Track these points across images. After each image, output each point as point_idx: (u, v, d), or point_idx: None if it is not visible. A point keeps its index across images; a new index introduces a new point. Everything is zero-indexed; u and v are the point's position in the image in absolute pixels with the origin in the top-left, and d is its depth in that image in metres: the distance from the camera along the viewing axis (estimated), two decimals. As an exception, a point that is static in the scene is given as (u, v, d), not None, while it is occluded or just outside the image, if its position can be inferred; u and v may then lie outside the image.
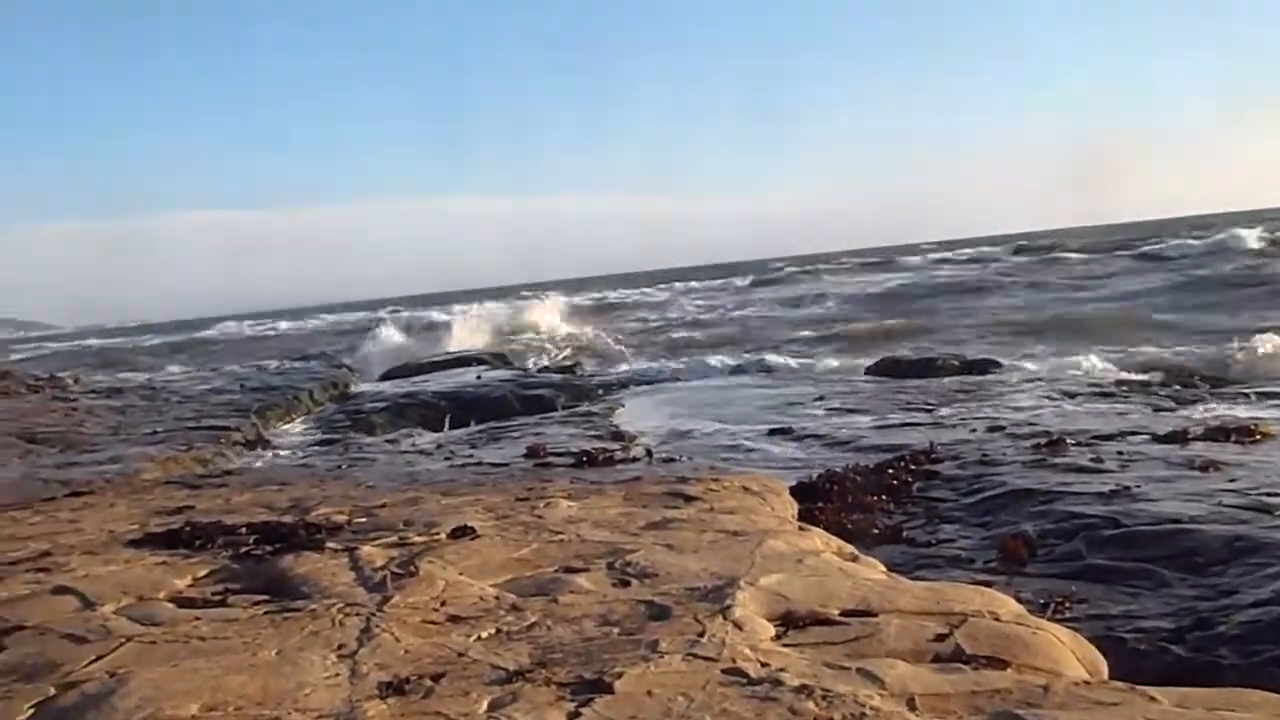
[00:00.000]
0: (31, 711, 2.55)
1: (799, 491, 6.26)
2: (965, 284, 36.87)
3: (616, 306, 48.64)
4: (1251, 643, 3.36)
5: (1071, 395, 10.35)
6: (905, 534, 5.34)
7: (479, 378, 16.68)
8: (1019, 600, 4.06)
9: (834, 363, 19.03)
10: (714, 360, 19.24)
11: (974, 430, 8.11)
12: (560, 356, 22.43)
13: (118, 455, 10.32)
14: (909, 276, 46.73)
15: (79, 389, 17.67)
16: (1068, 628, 3.26)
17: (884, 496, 6.10)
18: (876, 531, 5.39)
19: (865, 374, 16.18)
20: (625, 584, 3.47)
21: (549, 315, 31.25)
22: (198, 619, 3.30)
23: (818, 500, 6.08)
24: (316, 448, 10.96)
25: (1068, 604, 3.96)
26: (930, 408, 9.85)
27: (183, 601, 3.63)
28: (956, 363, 16.08)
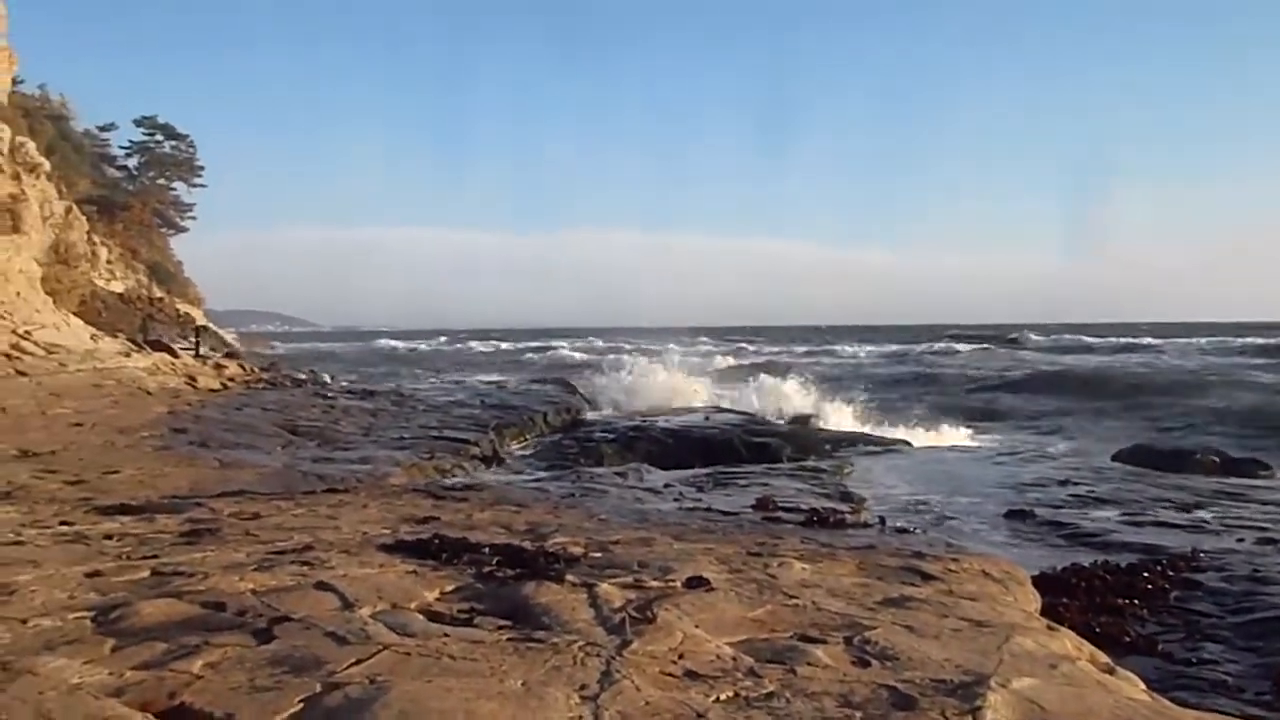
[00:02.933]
0: (300, 706, 2.70)
1: (1042, 583, 5.93)
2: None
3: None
4: None
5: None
6: (1161, 647, 4.95)
7: (707, 419, 16.80)
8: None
9: (1071, 444, 18.08)
10: (945, 428, 18.69)
11: (1241, 540, 7.46)
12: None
13: (367, 456, 10.99)
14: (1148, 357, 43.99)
15: (337, 388, 18.98)
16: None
17: (1137, 602, 5.69)
18: (1128, 640, 5.03)
19: (1111, 460, 15.27)
20: (865, 664, 3.36)
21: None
22: (447, 635, 3.43)
23: (1063, 596, 5.76)
24: (548, 472, 11.30)
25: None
26: (1187, 507, 9.14)
27: (432, 615, 3.78)
28: (1216, 459, 14.92)
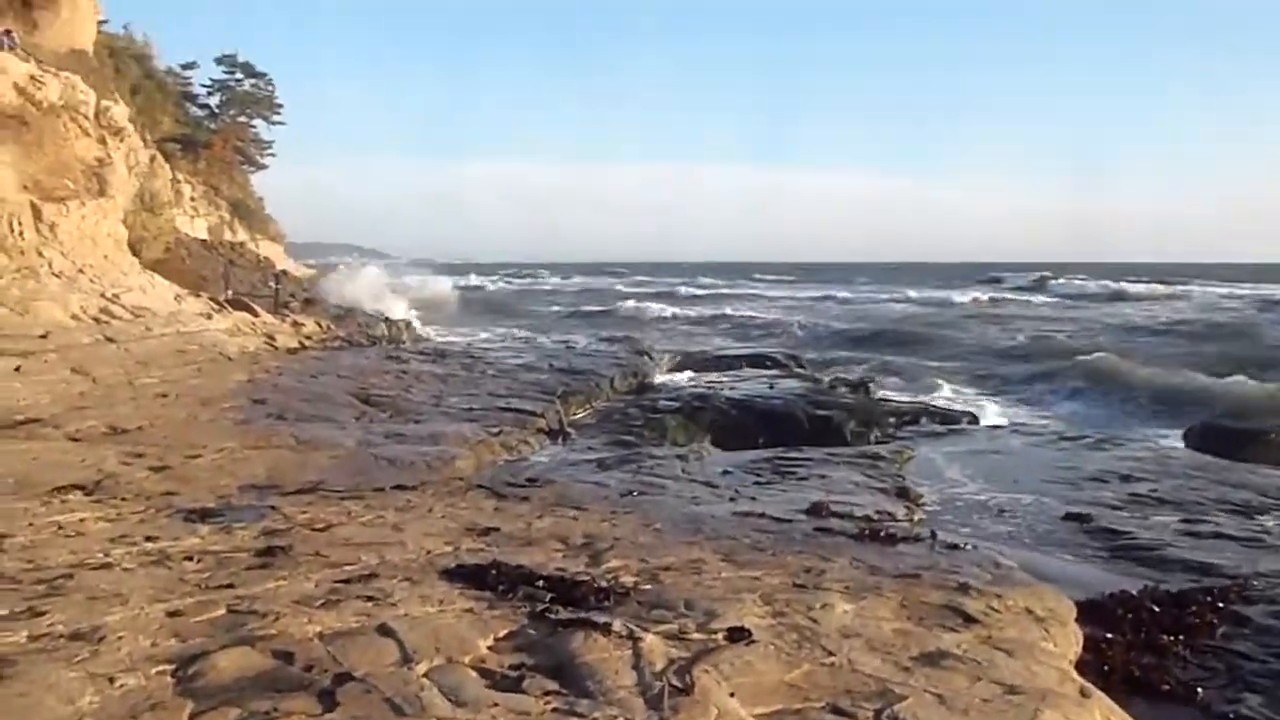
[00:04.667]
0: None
1: (1088, 612, 6.01)
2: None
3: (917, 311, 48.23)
4: None
5: None
6: (1200, 696, 5.03)
7: (771, 386, 16.89)
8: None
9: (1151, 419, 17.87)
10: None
11: (1300, 559, 7.42)
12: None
13: (436, 433, 11.33)
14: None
15: (410, 349, 19.42)
16: None
17: (1181, 638, 5.75)
18: (1167, 687, 5.10)
19: (1183, 440, 15.07)
20: (891, 749, 3.52)
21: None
22: (496, 705, 3.66)
23: (1108, 629, 5.83)
24: (610, 451, 11.52)
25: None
26: (1250, 512, 9.07)
27: (484, 672, 4.02)
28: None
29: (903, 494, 9.23)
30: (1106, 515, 8.78)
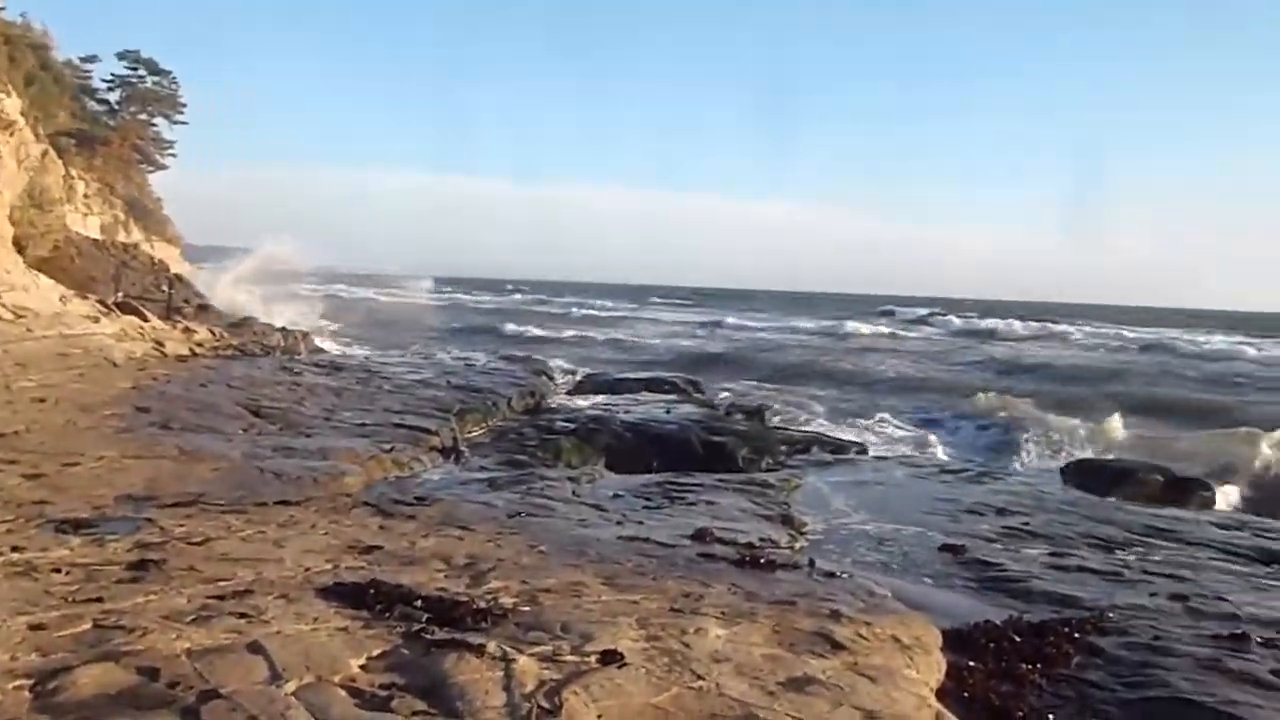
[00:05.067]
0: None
1: (953, 640, 6.23)
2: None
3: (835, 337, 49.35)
4: None
5: (1278, 559, 9.75)
6: (1050, 724, 5.25)
7: (668, 411, 17.06)
8: None
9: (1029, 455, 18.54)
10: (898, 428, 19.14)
11: (1154, 594, 7.78)
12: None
13: (326, 448, 11.19)
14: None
15: (305, 361, 19.11)
16: None
17: (1038, 667, 5.99)
18: (1021, 714, 5.32)
19: (1061, 475, 15.68)
20: (749, 771, 3.63)
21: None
22: (362, 725, 3.67)
23: (971, 657, 6.05)
24: (503, 470, 11.53)
25: None
26: (1112, 547, 9.49)
27: (354, 691, 4.03)
28: (1160, 478, 15.37)
29: (787, 522, 9.43)
30: (980, 547, 9.10)
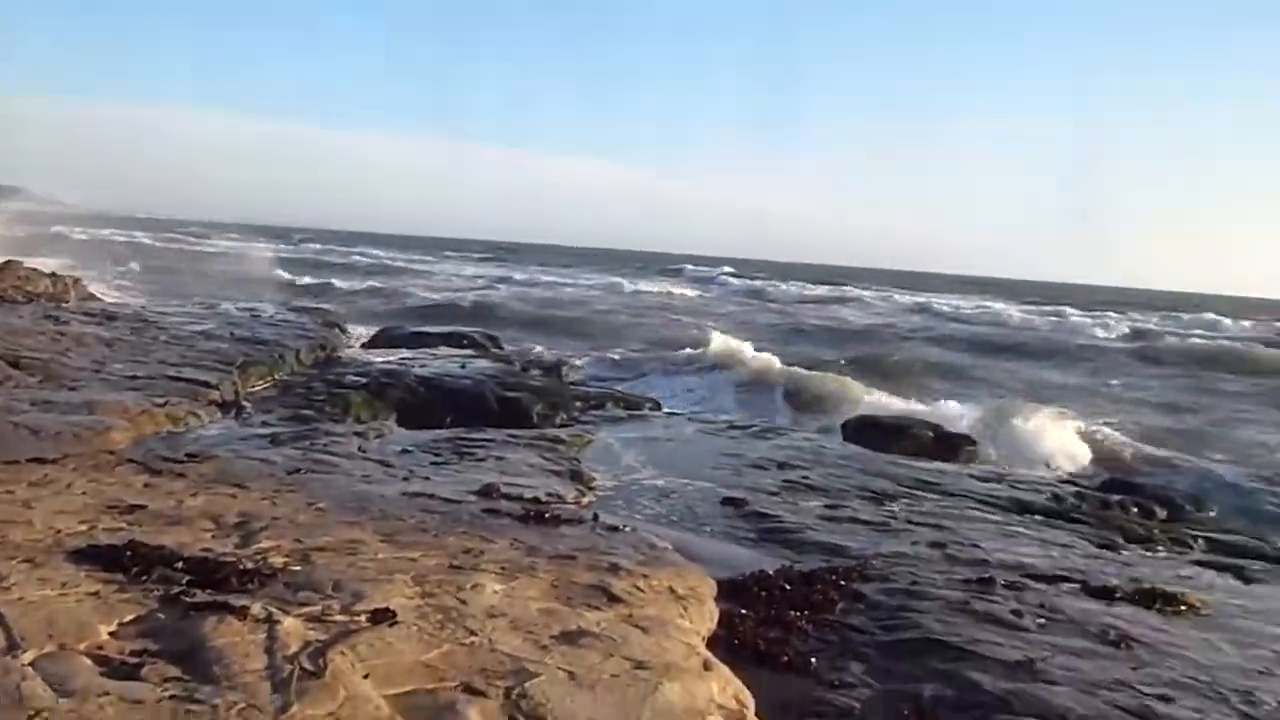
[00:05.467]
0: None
1: (728, 589, 6.46)
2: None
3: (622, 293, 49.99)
4: None
5: (1027, 508, 10.54)
6: (813, 667, 5.52)
7: (463, 366, 16.87)
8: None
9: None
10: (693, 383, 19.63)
11: (915, 543, 8.29)
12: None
13: (93, 401, 10.51)
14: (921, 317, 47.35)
15: (73, 309, 17.84)
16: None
17: (806, 614, 6.28)
18: (787, 659, 5.57)
19: (842, 431, 16.43)
20: (513, 725, 3.66)
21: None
22: (107, 694, 3.48)
23: (743, 606, 6.28)
24: (286, 426, 11.14)
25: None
26: (882, 499, 10.04)
27: (100, 659, 3.82)
28: (931, 434, 16.33)
29: (576, 477, 9.51)
30: (761, 500, 9.43)
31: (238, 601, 4.49)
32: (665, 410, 15.92)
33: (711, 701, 4.25)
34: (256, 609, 4.43)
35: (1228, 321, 57.15)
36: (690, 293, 58.88)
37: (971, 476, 11.95)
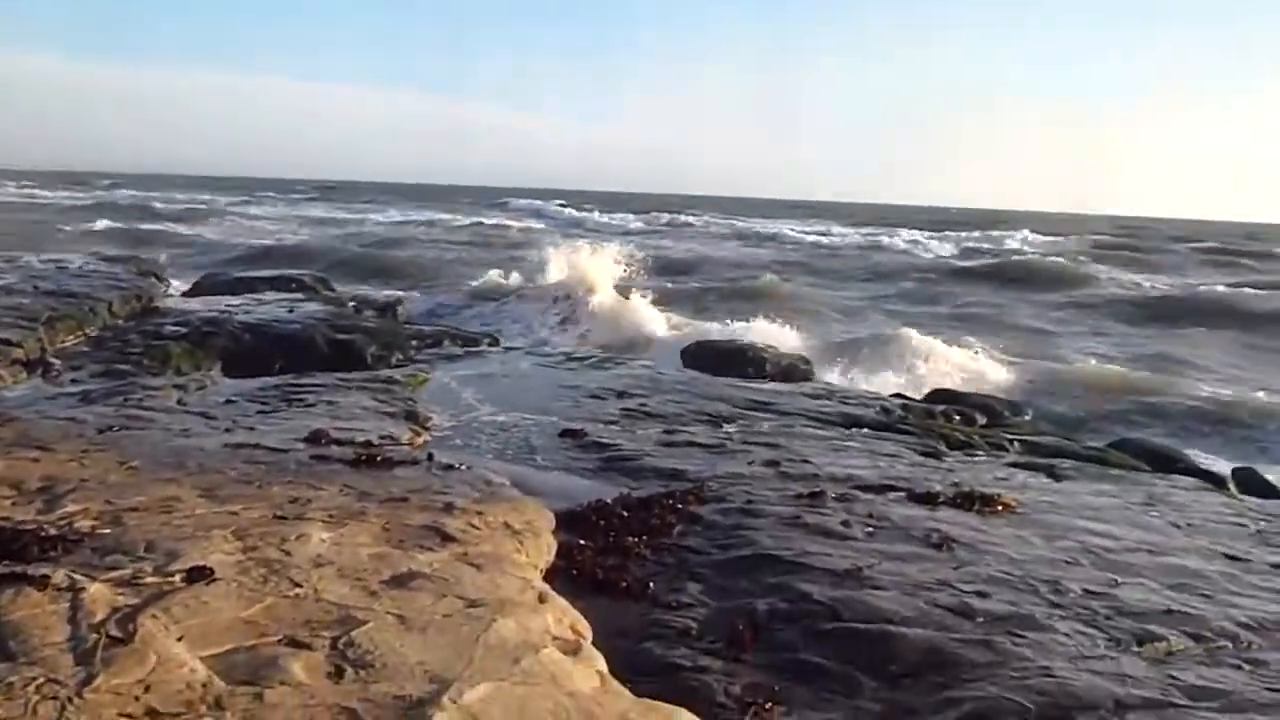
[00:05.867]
0: None
1: (566, 521, 6.46)
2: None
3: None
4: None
5: (857, 422, 10.90)
6: (651, 590, 5.57)
7: (291, 310, 16.30)
8: (728, 695, 4.38)
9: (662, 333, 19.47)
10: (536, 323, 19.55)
11: (752, 462, 8.45)
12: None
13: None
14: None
15: None
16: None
17: (644, 539, 6.33)
18: (625, 585, 5.61)
19: (681, 358, 16.63)
20: (339, 674, 3.55)
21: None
22: (-115, 681, 3.22)
23: (581, 537, 6.29)
24: (99, 382, 10.55)
25: (770, 706, 4.26)
26: (719, 422, 10.20)
27: (-122, 644, 3.52)
28: (766, 357, 16.71)
29: (411, 418, 9.31)
30: (600, 430, 9.44)
31: (38, 571, 4.21)
32: (504, 345, 15.77)
33: (546, 634, 4.22)
34: (59, 577, 4.17)
35: (1037, 237, 60.39)
36: (521, 225, 58.40)
37: (805, 396, 12.25)
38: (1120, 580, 6.02)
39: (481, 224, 56.88)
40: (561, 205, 77.52)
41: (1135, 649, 5.06)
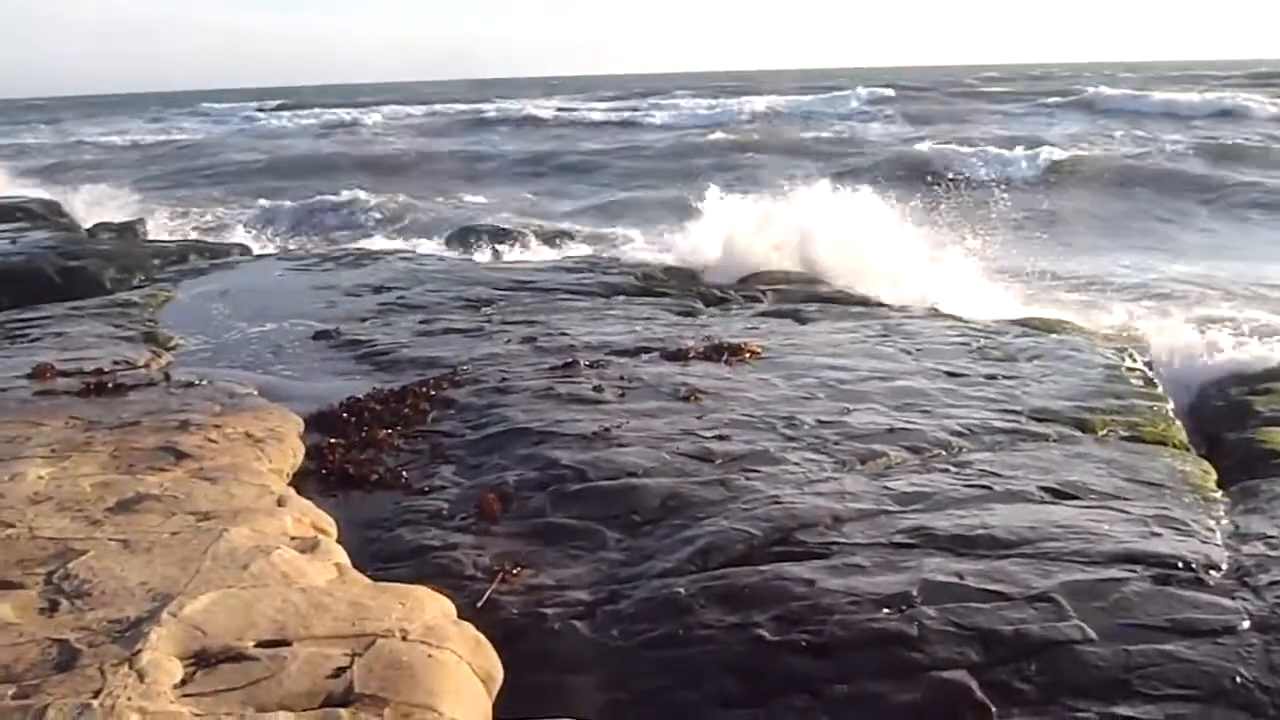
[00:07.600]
0: None
1: (316, 422, 6.36)
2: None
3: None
4: (638, 621, 3.92)
5: (617, 290, 11.09)
6: (404, 478, 5.59)
7: (14, 241, 15.04)
8: (476, 567, 4.49)
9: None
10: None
11: (509, 341, 8.49)
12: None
13: None
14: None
15: None
16: (485, 623, 3.67)
17: (398, 429, 6.32)
18: (377, 476, 5.61)
19: (445, 245, 16.41)
20: (54, 608, 3.44)
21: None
22: None
23: (333, 436, 6.21)
24: None
25: (517, 571, 4.40)
26: (478, 305, 10.18)
27: None
28: (531, 234, 16.72)
29: (150, 339, 8.85)
30: (354, 328, 9.23)
31: None
32: (255, 253, 15.10)
33: (283, 535, 4.20)
34: None
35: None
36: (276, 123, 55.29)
37: (565, 270, 12.34)
38: (851, 408, 6.46)
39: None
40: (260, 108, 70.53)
41: (859, 468, 5.48)
